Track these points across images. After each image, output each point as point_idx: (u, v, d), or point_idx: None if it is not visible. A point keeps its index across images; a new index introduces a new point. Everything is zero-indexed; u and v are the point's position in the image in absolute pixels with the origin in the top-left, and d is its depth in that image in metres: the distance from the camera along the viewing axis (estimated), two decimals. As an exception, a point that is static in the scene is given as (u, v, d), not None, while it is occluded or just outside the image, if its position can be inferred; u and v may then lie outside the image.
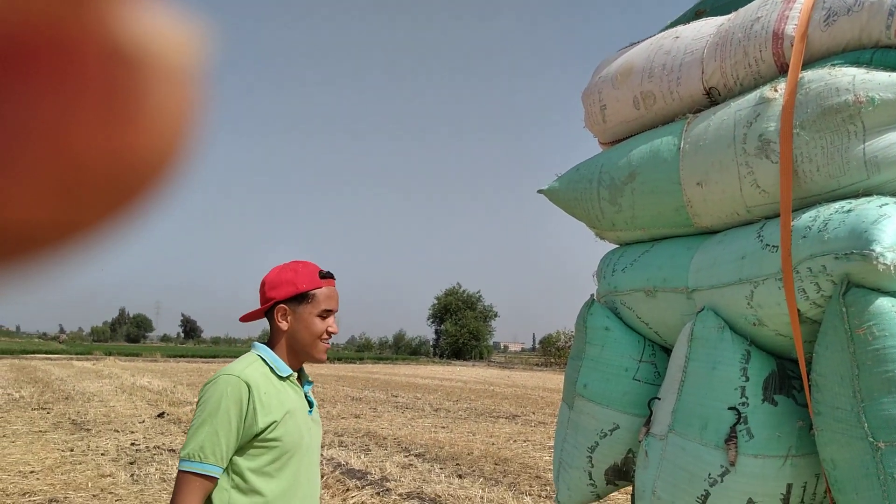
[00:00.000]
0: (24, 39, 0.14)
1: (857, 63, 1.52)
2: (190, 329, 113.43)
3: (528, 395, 18.02)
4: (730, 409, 1.62)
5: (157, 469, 6.64)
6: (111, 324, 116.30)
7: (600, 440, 2.09)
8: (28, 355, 36.55)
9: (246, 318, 1.81)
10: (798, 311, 1.50)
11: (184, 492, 1.51)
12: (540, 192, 2.44)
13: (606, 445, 2.08)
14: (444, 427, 10.53)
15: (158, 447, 7.94)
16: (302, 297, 1.70)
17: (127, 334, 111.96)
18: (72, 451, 7.60)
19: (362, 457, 7.49)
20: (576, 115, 2.44)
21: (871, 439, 1.35)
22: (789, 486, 1.58)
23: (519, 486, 6.29)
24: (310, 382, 1.81)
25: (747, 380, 1.63)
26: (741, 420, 1.60)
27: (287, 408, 1.64)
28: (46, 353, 40.58)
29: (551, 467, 4.21)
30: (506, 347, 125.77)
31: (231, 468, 1.58)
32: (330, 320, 1.73)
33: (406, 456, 7.73)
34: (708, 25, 1.93)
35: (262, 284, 1.74)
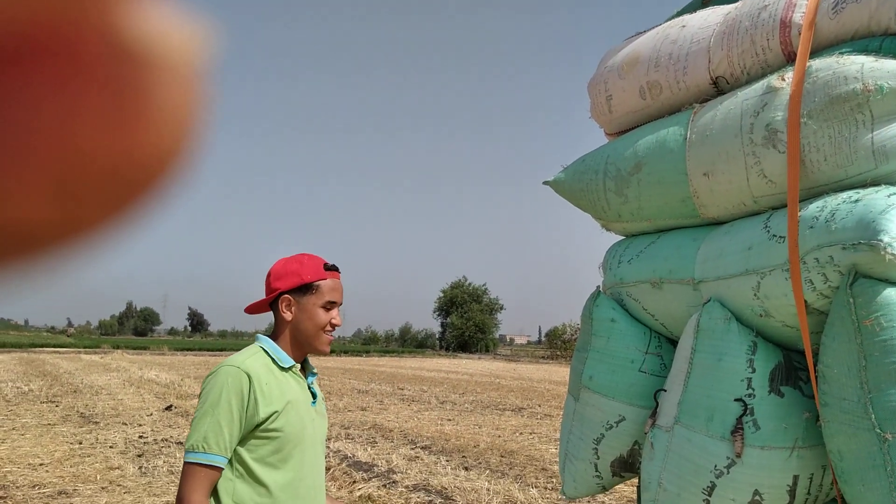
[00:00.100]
0: (28, 38, 0.14)
1: (865, 51, 1.50)
2: (197, 322, 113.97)
3: (533, 387, 18.03)
4: (736, 400, 1.62)
5: (165, 462, 6.68)
6: (119, 317, 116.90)
7: (606, 432, 2.08)
8: (37, 349, 36.84)
9: (251, 309, 1.81)
10: (805, 301, 1.49)
11: (190, 483, 1.52)
12: (545, 183, 2.43)
13: (612, 437, 2.08)
14: (450, 420, 10.55)
15: (166, 440, 7.99)
16: (307, 288, 1.71)
17: (134, 328, 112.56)
18: (80, 443, 7.66)
19: (369, 449, 7.52)
20: (581, 107, 2.42)
21: (878, 430, 1.34)
22: (796, 478, 1.57)
23: (525, 479, 6.30)
24: (314, 374, 1.82)
25: (754, 371, 1.62)
26: (747, 411, 1.60)
27: (288, 398, 1.64)
28: (55, 346, 40.89)
29: (557, 459, 4.21)
30: (512, 340, 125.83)
31: (235, 459, 1.59)
32: (334, 312, 1.73)
33: (412, 448, 7.75)
34: (715, 14, 1.92)
35: (268, 275, 1.75)
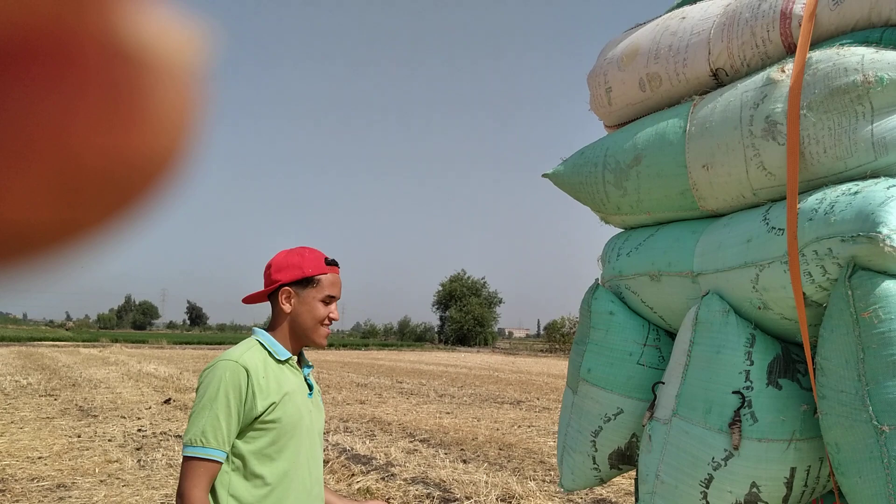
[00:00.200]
0: (26, 39, 0.14)
1: (866, 42, 1.49)
2: (196, 316, 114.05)
3: (532, 380, 18.07)
4: (734, 392, 1.62)
5: (163, 455, 6.69)
6: (117, 311, 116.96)
7: (604, 424, 2.08)
8: (35, 342, 36.86)
9: (248, 300, 1.81)
10: (804, 294, 1.49)
11: (190, 477, 1.52)
12: (544, 176, 2.42)
13: (610, 430, 2.08)
14: (448, 413, 10.57)
15: (165, 433, 8.00)
16: (307, 282, 1.71)
17: (133, 321, 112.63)
18: (79, 437, 7.67)
19: (367, 442, 7.54)
20: (581, 99, 2.41)
21: (876, 422, 1.34)
22: (793, 470, 1.57)
23: (523, 471, 6.32)
24: (309, 366, 1.82)
25: (752, 364, 1.62)
26: (745, 404, 1.60)
27: (285, 389, 1.65)
28: (53, 340, 40.91)
29: (555, 452, 4.22)
30: (510, 333, 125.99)
31: (231, 452, 1.59)
32: (332, 306, 1.74)
33: (411, 441, 7.77)
34: (715, 5, 1.91)
35: (268, 267, 1.75)
